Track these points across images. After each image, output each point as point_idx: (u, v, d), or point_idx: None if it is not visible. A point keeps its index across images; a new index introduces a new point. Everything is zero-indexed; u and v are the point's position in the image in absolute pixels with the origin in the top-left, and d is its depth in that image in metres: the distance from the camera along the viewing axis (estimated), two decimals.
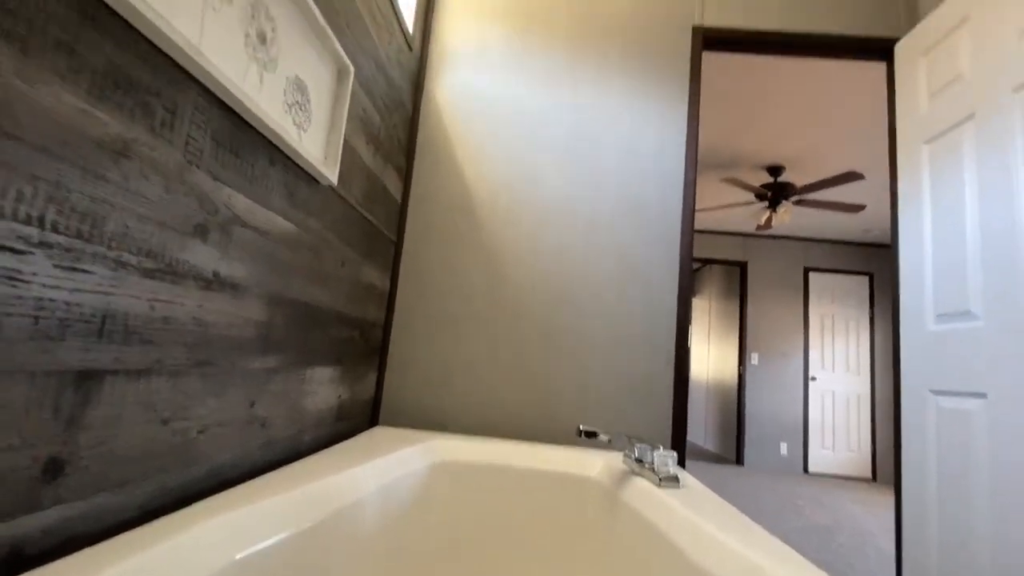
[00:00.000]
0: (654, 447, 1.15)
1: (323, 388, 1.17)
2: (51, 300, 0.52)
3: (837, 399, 4.80)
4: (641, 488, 1.08)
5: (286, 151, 0.91)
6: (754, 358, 4.85)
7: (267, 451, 0.93)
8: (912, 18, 1.71)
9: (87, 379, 0.57)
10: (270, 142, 0.87)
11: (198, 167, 0.71)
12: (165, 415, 0.68)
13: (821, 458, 4.70)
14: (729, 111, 2.84)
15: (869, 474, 4.68)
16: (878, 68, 2.43)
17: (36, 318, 0.51)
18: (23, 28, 0.48)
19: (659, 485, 1.06)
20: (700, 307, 6.46)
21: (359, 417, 1.45)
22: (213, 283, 0.76)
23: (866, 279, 4.99)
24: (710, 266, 6.02)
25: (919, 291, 1.48)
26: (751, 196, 3.87)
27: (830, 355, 4.87)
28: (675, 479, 1.07)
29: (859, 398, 4.79)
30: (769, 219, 3.50)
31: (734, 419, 4.91)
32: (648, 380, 1.57)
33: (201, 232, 0.73)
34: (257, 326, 0.88)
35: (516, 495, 1.31)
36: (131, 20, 0.58)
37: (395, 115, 1.53)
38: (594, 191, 1.67)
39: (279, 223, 0.92)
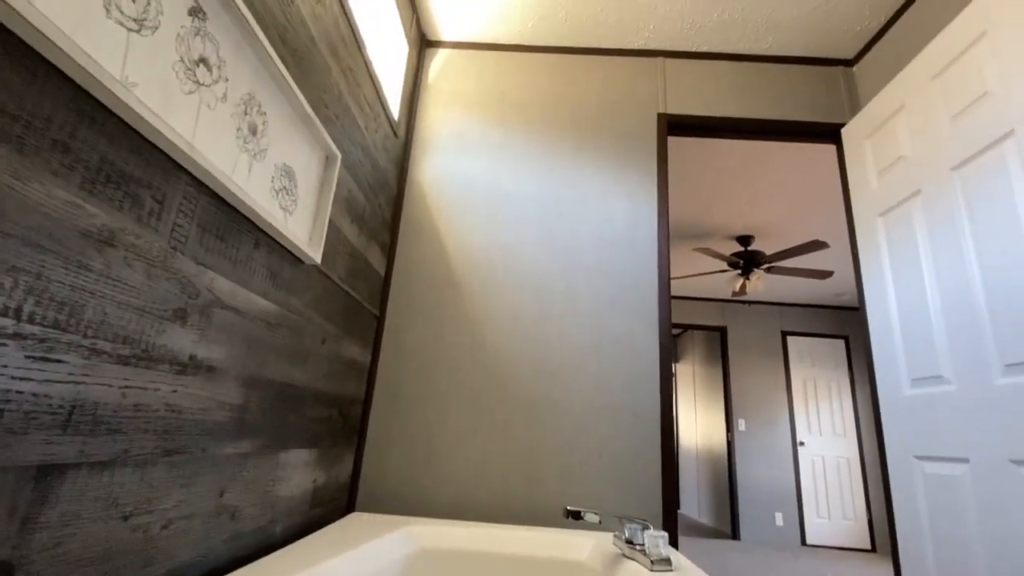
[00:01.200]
0: (644, 527, 1.11)
1: (297, 473, 1.12)
2: (18, 392, 0.51)
3: (828, 464, 4.72)
4: (633, 572, 1.03)
5: (271, 233, 0.93)
6: (741, 424, 4.79)
7: (233, 545, 0.88)
8: (854, 105, 1.89)
9: (47, 475, 0.54)
10: (256, 226, 0.89)
11: (182, 253, 0.73)
12: (127, 510, 0.65)
13: (818, 528, 4.53)
14: (700, 187, 3.02)
15: (868, 544, 4.51)
16: (832, 147, 2.64)
17: (1, 411, 0.49)
18: (20, 128, 0.50)
19: (651, 569, 1.01)
20: (684, 372, 6.46)
21: (335, 502, 1.37)
22: (188, 367, 0.75)
23: (842, 342, 5.09)
24: (691, 332, 6.09)
25: (891, 356, 1.52)
26: (724, 264, 4.01)
27: (815, 419, 4.85)
28: (667, 561, 1.03)
29: (848, 462, 4.73)
30: (743, 286, 3.61)
31: (726, 489, 4.76)
32: (635, 453, 1.54)
33: (180, 316, 0.73)
34: (232, 409, 0.86)
35: None
36: (128, 120, 0.61)
37: (380, 195, 1.59)
38: (571, 263, 1.72)
39: (260, 304, 0.93)
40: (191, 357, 0.75)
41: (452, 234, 1.76)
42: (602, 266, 1.72)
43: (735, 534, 4.53)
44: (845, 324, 5.13)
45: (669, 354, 1.64)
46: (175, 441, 0.73)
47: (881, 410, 1.55)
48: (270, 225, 0.90)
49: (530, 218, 1.77)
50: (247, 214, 0.85)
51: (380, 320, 1.65)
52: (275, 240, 0.96)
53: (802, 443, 4.75)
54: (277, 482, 1.03)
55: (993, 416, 1.18)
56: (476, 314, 1.67)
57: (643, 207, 1.79)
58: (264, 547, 0.98)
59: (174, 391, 0.72)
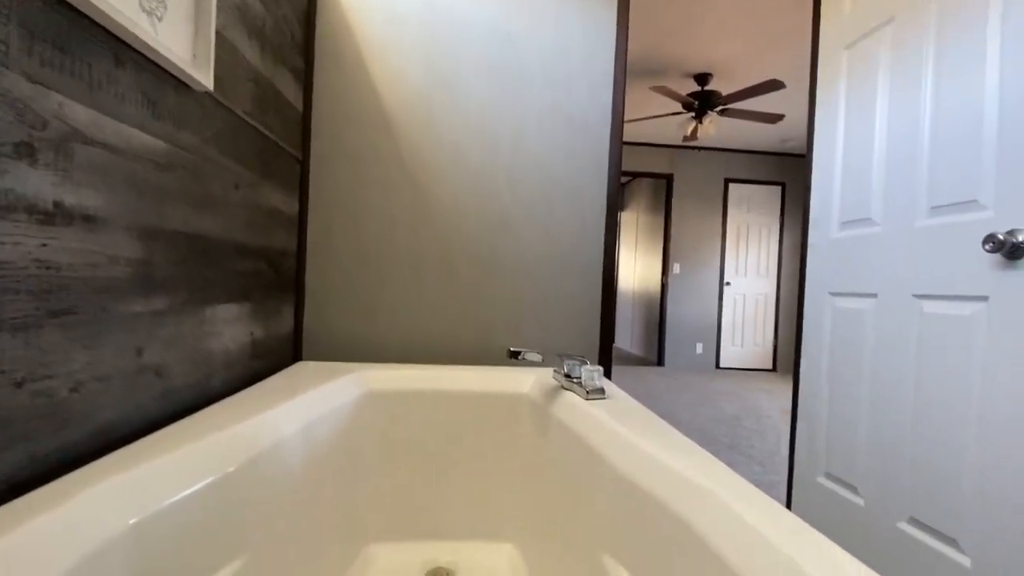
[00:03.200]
0: (583, 362, 1.18)
1: (230, 327, 1.07)
2: None
3: (747, 301, 5.24)
4: (570, 402, 1.11)
5: (136, 46, 0.73)
6: (676, 268, 5.11)
7: (166, 402, 0.85)
8: None
9: None
10: (111, 34, 0.69)
11: (4, 66, 0.55)
12: (18, 376, 0.58)
13: (731, 354, 5.21)
14: (656, 14, 2.71)
15: (771, 365, 5.28)
16: None
17: None
18: None
19: (586, 398, 1.09)
20: (628, 220, 6.63)
21: (279, 354, 1.36)
22: (57, 216, 0.62)
23: (779, 188, 5.28)
24: (638, 180, 6.10)
25: (828, 199, 1.56)
26: (678, 106, 3.84)
27: (743, 262, 5.23)
28: (601, 391, 1.11)
29: (766, 298, 5.27)
30: (695, 130, 3.52)
31: (657, 324, 5.26)
32: (578, 299, 1.59)
33: (27, 153, 0.58)
34: (131, 264, 0.75)
35: (450, 417, 1.31)
36: None
37: (284, 4, 1.29)
38: (519, 99, 1.55)
39: (140, 139, 0.76)
40: (57, 204, 0.62)
41: (379, 61, 1.51)
42: (553, 104, 1.57)
43: (660, 362, 5.14)
44: (785, 171, 5.27)
45: (616, 206, 1.60)
46: (62, 301, 0.63)
47: (808, 250, 1.63)
48: (130, 34, 0.69)
49: (472, 41, 1.53)
50: (91, 14, 0.65)
51: (304, 165, 1.47)
52: (144, 56, 0.76)
53: (728, 283, 5.19)
54: (207, 338, 0.98)
55: (907, 255, 1.26)
56: (413, 158, 1.53)
57: (601, 36, 1.58)
58: (204, 401, 0.97)
59: (43, 245, 0.60)
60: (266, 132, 1.21)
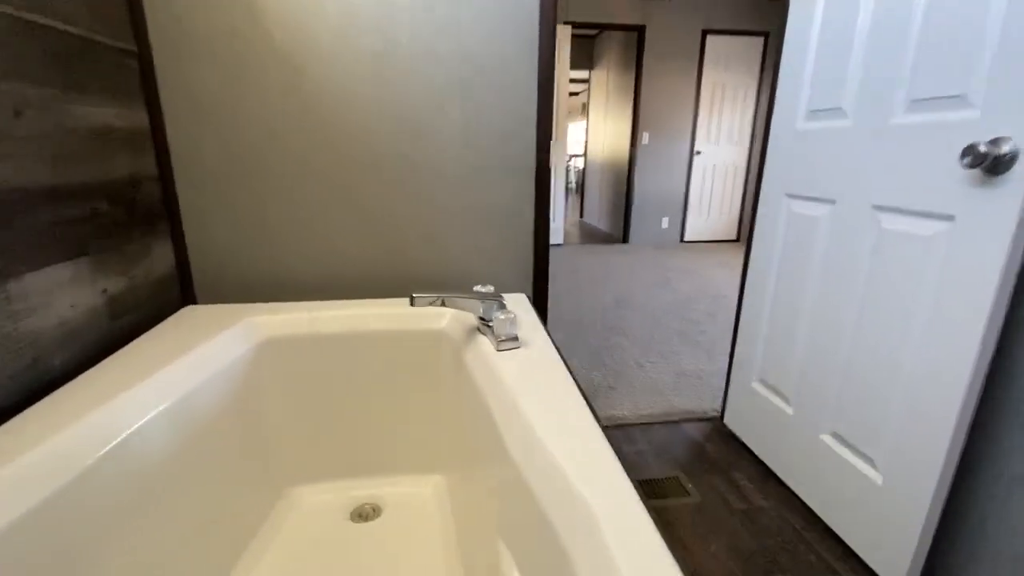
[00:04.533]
0: (498, 304, 1.04)
1: (62, 293, 0.88)
2: None
3: (717, 170, 5.03)
4: (482, 350, 1.00)
5: None
6: (645, 138, 4.78)
7: None
8: None
9: None
10: None
11: None
12: None
13: (696, 226, 5.15)
14: None
15: (735, 235, 5.26)
16: None
17: None
18: None
19: (497, 348, 0.98)
20: (597, 79, 6.04)
21: (157, 302, 1.19)
22: None
23: (761, 40, 4.75)
24: (608, 33, 5.40)
25: (798, 80, 1.31)
26: None
27: (716, 128, 4.90)
28: (515, 339, 1.00)
29: (735, 168, 5.06)
30: None
31: (624, 199, 5.08)
32: (507, 214, 1.40)
33: None
34: None
35: (362, 360, 1.21)
36: None
37: None
38: None
39: None
40: None
41: None
42: None
43: (625, 238, 5.07)
44: (769, 18, 4.69)
45: (549, 91, 1.33)
46: None
47: (769, 143, 1.43)
48: None
49: None
50: None
51: (144, 60, 1.14)
52: None
53: (699, 152, 4.92)
54: (23, 316, 0.80)
55: (875, 158, 1.08)
56: (291, 45, 1.20)
57: None
58: (38, 391, 0.82)
59: None
60: (61, 25, 0.89)
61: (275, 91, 1.22)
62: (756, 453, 1.54)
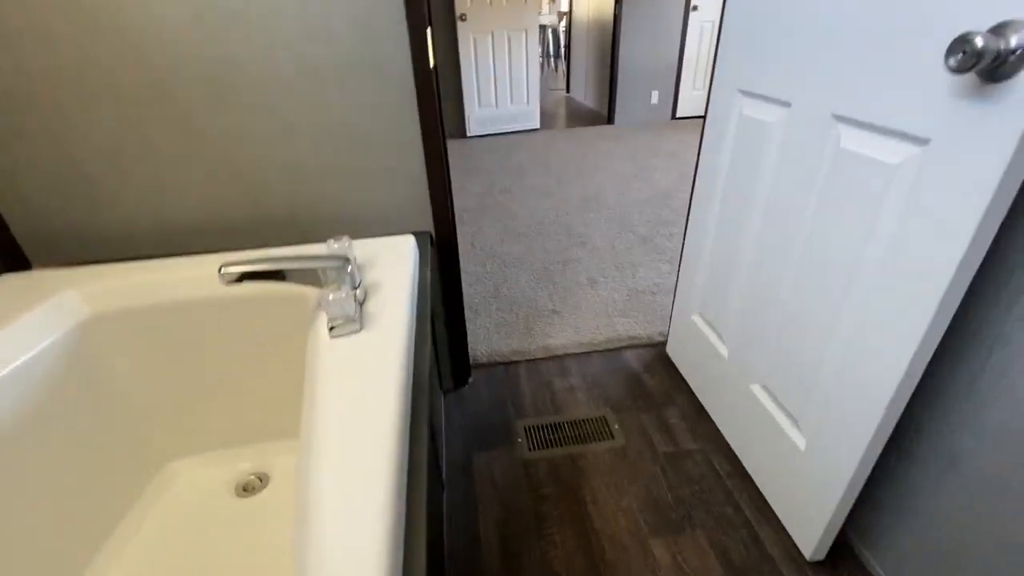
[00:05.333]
0: (340, 271, 0.83)
1: None
2: None
3: (715, 30, 4.33)
4: (316, 332, 0.82)
5: None
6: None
7: None
8: None
9: None
10: None
11: None
12: None
13: (690, 100, 4.59)
14: None
15: None
16: None
17: None
18: None
19: (330, 335, 0.79)
20: None
21: None
22: None
23: None
24: None
25: None
26: None
27: None
28: (352, 322, 0.80)
29: None
30: None
31: (608, 70, 4.48)
32: (384, 131, 1.11)
33: None
34: None
35: (222, 328, 1.03)
36: None
37: None
38: None
39: None
40: None
41: None
42: None
43: (610, 118, 4.56)
44: None
45: None
46: None
47: (724, 16, 1.08)
48: None
49: None
50: None
51: None
52: None
53: (695, 7, 4.19)
54: None
55: (840, 46, 0.77)
56: None
57: None
58: None
59: None
60: None
61: (45, 6, 0.88)
62: (693, 389, 1.42)
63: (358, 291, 0.86)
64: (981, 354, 0.71)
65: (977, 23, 0.56)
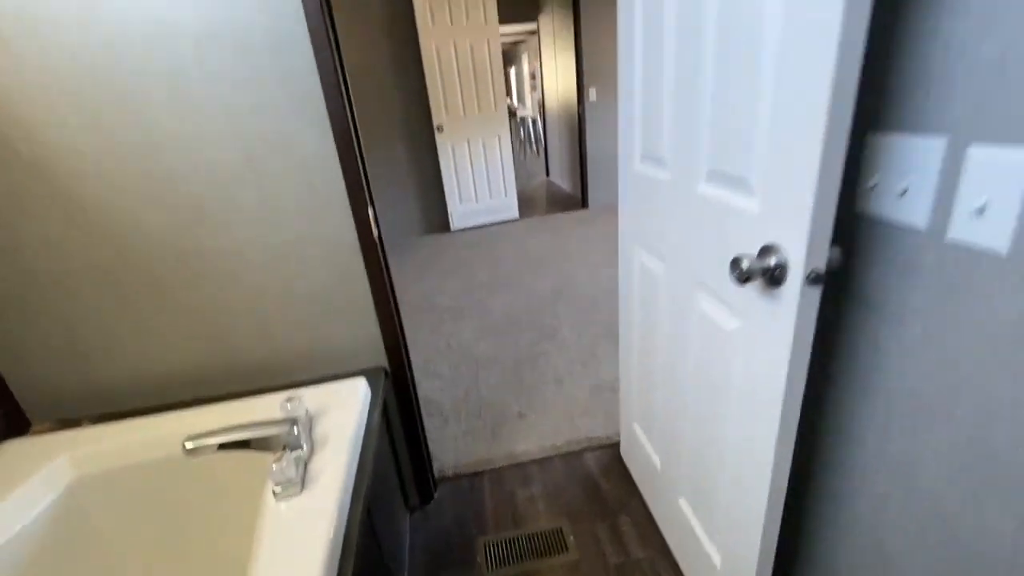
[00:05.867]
0: (289, 432, 0.96)
1: None
2: None
3: None
4: (266, 493, 0.94)
5: None
6: (592, 94, 4.46)
7: None
8: None
9: None
10: None
11: None
12: None
13: None
14: None
15: None
16: None
17: None
18: None
19: (275, 497, 0.91)
20: (544, 26, 5.60)
21: None
22: None
23: None
24: None
25: (631, 107, 1.14)
26: None
27: None
28: (295, 484, 0.92)
29: None
30: None
31: (579, 159, 4.83)
32: (336, 287, 1.28)
33: None
34: None
35: (183, 492, 1.15)
36: None
37: None
38: (163, 35, 1.01)
39: None
40: None
41: None
42: (215, 29, 1.02)
43: (584, 202, 4.86)
44: None
45: (353, 154, 1.17)
46: None
47: (619, 178, 1.28)
48: None
49: None
50: None
51: None
52: None
53: None
54: None
55: (689, 225, 0.95)
56: (41, 154, 1.06)
57: None
58: None
59: None
60: None
61: (37, 204, 1.09)
62: (642, 494, 1.50)
63: (303, 450, 0.99)
64: (828, 466, 0.82)
65: (761, 234, 0.72)
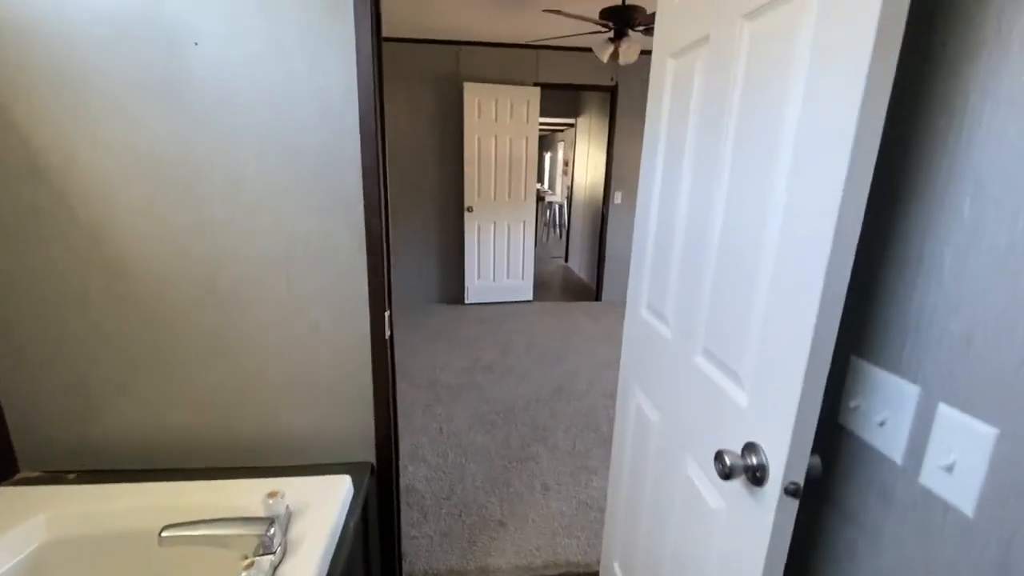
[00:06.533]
0: (271, 538, 0.97)
1: None
2: None
3: None
4: None
5: None
6: (617, 197, 4.68)
7: None
8: None
9: None
10: None
11: None
12: None
13: None
14: None
15: None
16: None
17: None
18: None
19: None
20: (582, 125, 5.99)
21: None
22: None
23: None
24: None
25: (642, 253, 1.21)
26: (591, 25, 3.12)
27: None
28: None
29: None
30: (615, 52, 2.90)
31: (597, 256, 4.97)
32: (343, 385, 1.32)
33: None
34: None
35: (163, 571, 1.14)
36: None
37: None
38: (228, 131, 1.13)
39: None
40: None
41: None
42: (278, 131, 1.15)
43: (598, 295, 4.95)
44: None
45: (380, 262, 1.26)
46: None
47: (625, 325, 1.33)
48: None
49: (138, 53, 1.07)
50: None
51: None
52: None
53: None
54: None
55: (684, 392, 0.98)
56: (92, 222, 1.16)
57: (332, 31, 1.10)
58: None
59: None
60: None
61: (83, 267, 1.18)
62: None
63: (275, 555, 0.99)
64: None
65: (748, 430, 0.75)
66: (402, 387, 3.00)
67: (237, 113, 1.13)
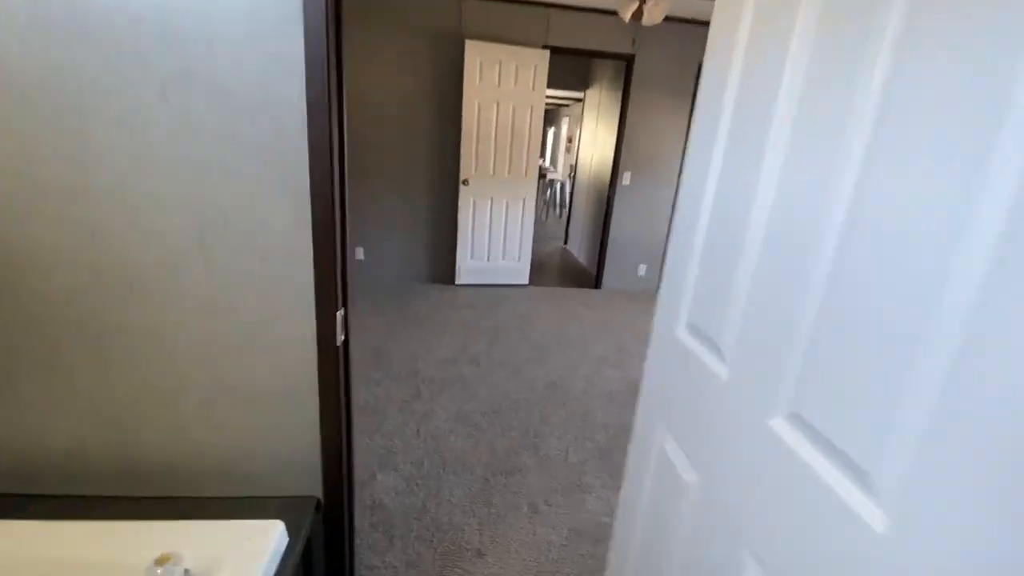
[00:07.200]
0: None
1: None
2: None
3: None
4: None
5: None
6: (626, 178, 4.33)
7: None
8: None
9: None
10: None
11: None
12: None
13: None
14: None
15: None
16: None
17: None
18: None
19: None
20: (591, 99, 5.59)
21: None
22: None
23: None
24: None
25: (685, 258, 0.90)
26: None
27: None
28: None
29: None
30: (639, 11, 2.53)
31: (599, 240, 4.65)
32: (277, 393, 1.02)
33: None
34: None
35: None
36: None
37: None
38: (120, 62, 0.80)
39: None
40: None
41: None
42: (190, 56, 0.81)
43: (598, 282, 4.64)
44: None
45: (332, 244, 0.94)
46: None
47: (652, 334, 1.03)
48: None
49: None
50: None
51: None
52: None
53: None
54: None
55: (748, 462, 0.68)
56: None
57: None
58: None
59: None
60: None
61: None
62: None
63: None
64: None
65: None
66: (377, 378, 2.70)
67: (126, 27, 0.79)
